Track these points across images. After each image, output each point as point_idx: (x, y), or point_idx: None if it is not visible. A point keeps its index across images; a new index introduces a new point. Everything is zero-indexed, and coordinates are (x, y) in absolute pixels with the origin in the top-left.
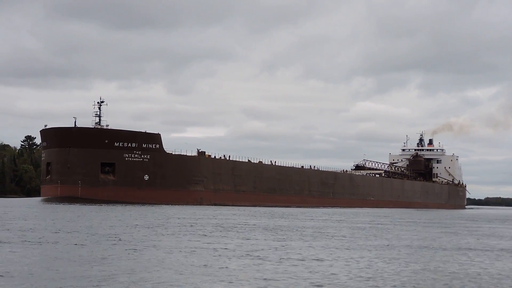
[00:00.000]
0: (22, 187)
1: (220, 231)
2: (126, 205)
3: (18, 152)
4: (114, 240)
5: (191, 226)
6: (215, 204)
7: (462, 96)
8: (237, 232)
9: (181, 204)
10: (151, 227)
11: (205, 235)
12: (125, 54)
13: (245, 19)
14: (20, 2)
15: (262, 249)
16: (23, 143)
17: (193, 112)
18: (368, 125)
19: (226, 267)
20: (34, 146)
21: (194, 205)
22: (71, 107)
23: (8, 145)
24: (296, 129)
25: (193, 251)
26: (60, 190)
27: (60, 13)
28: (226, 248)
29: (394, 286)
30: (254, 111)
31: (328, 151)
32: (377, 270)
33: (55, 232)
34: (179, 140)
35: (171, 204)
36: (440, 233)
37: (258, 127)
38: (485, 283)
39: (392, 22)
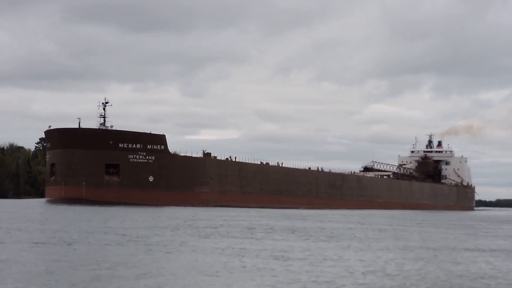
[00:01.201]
0: (37, 188)
1: (250, 233)
2: (131, 207)
3: (32, 154)
4: (143, 242)
5: (216, 228)
6: (221, 206)
7: (474, 98)
8: (266, 233)
9: (187, 206)
10: (175, 229)
11: (235, 237)
12: (140, 56)
13: (260, 22)
14: (36, 6)
15: (295, 251)
16: (37, 145)
17: (207, 115)
18: (380, 128)
19: (267, 268)
20: None
21: (199, 206)
22: (86, 110)
23: (22, 147)
24: (309, 132)
25: (223, 251)
26: (64, 191)
27: (76, 16)
28: (257, 249)
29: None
30: (267, 113)
31: (341, 153)
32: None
33: (88, 233)
34: (193, 143)
35: (176, 206)
36: (463, 235)
37: (271, 129)
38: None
39: (405, 24)
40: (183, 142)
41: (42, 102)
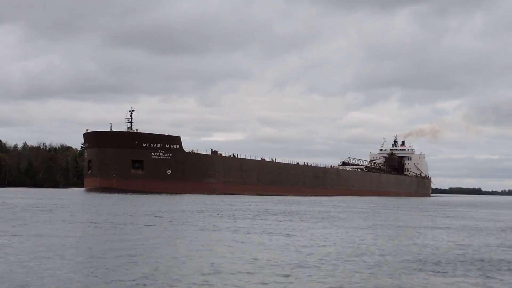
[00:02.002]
0: (82, 179)
1: (259, 215)
2: (153, 195)
3: (78, 152)
4: (178, 222)
5: (229, 211)
6: (226, 194)
7: (433, 107)
8: (272, 215)
9: (198, 194)
10: (200, 212)
11: (249, 218)
12: (165, 74)
13: (261, 46)
14: (82, 33)
15: (296, 229)
16: (82, 145)
17: (219, 121)
18: (357, 131)
19: (272, 241)
20: None
21: (208, 194)
22: (120, 117)
23: (71, 147)
24: (301, 134)
25: (241, 229)
26: (99, 182)
27: (114, 41)
28: (268, 228)
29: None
30: (267, 119)
31: (326, 151)
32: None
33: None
34: (207, 143)
35: (189, 194)
36: (423, 216)
37: (270, 132)
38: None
39: (378, 48)
40: (199, 143)
41: (86, 111)
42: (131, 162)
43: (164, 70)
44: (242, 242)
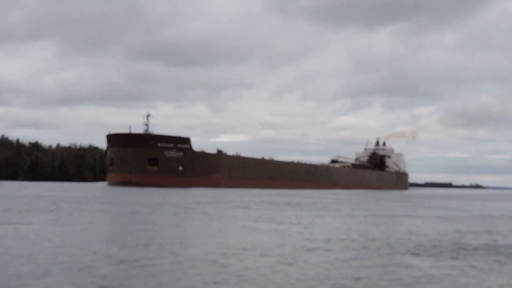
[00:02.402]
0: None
1: (267, 206)
2: (166, 188)
3: (104, 152)
4: (197, 211)
5: (235, 202)
6: (230, 187)
7: (411, 112)
8: (275, 205)
9: (205, 187)
10: (213, 203)
11: (255, 209)
12: (179, 84)
13: (262, 59)
14: (108, 49)
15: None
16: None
17: (225, 124)
18: (345, 133)
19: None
20: None
21: (214, 187)
22: (140, 121)
23: (97, 147)
24: (297, 136)
25: (249, 217)
26: (120, 177)
27: (135, 55)
28: (270, 215)
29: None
30: (267, 123)
31: (318, 151)
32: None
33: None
34: (215, 144)
35: (198, 187)
36: (400, 206)
37: (270, 134)
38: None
39: (364, 61)
40: (208, 143)
41: (111, 116)
42: (148, 159)
43: (178, 80)
44: (255, 228)
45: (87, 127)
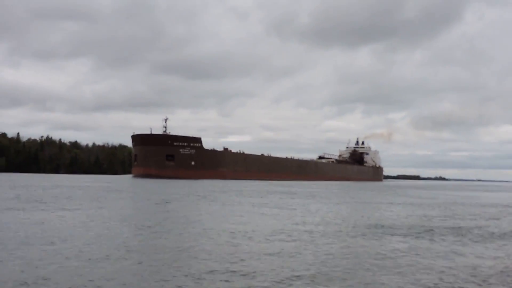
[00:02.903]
0: None
1: (269, 194)
2: (181, 180)
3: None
4: (216, 198)
5: (242, 191)
6: (234, 179)
7: (386, 117)
8: (275, 194)
9: (213, 179)
10: (224, 192)
11: (260, 197)
12: (194, 93)
13: (263, 73)
14: (135, 64)
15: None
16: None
17: (233, 127)
18: (332, 134)
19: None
20: None
21: (221, 179)
22: (161, 124)
23: (126, 146)
24: (292, 136)
25: (255, 203)
26: (142, 170)
27: (157, 69)
28: (270, 202)
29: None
30: (267, 126)
31: (309, 149)
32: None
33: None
34: (224, 143)
35: (207, 179)
36: (377, 194)
37: (269, 135)
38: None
39: (347, 75)
40: (218, 143)
41: (137, 120)
42: (165, 156)
43: (193, 90)
44: (262, 213)
45: (118, 129)
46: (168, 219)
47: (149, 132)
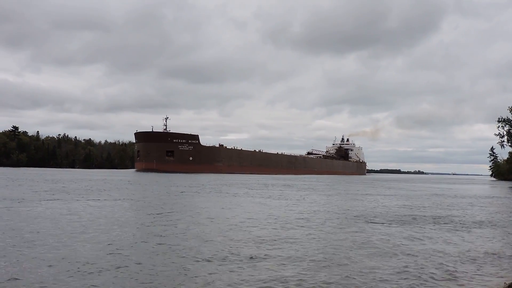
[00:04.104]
0: None
1: (268, 187)
2: (181, 174)
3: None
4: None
5: (238, 184)
6: (229, 173)
7: (370, 117)
8: (272, 186)
9: (210, 173)
10: (227, 185)
11: (257, 189)
12: (197, 96)
13: (260, 78)
14: (144, 69)
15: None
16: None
17: (232, 126)
18: (320, 132)
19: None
20: None
21: (217, 173)
22: (169, 125)
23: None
24: (285, 134)
25: (247, 194)
26: (144, 165)
27: (164, 74)
28: (270, 194)
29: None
30: (263, 125)
31: (300, 146)
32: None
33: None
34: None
35: (204, 173)
36: (363, 186)
37: (265, 133)
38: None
39: (335, 79)
40: (218, 140)
41: (146, 120)
42: (166, 151)
43: (196, 93)
44: (263, 204)
45: (128, 128)
46: (197, 209)
47: (150, 130)
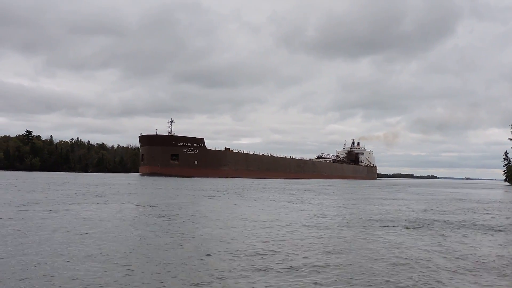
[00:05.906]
0: None
1: (285, 190)
2: (185, 178)
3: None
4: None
5: (249, 189)
6: (235, 177)
7: (383, 121)
8: (285, 190)
9: (216, 177)
10: (246, 189)
11: (270, 192)
12: (210, 100)
13: (273, 82)
14: (157, 74)
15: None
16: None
17: (245, 130)
18: (333, 137)
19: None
20: None
21: (223, 178)
22: (181, 129)
23: None
24: (297, 139)
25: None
26: (148, 169)
27: (177, 79)
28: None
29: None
30: (276, 129)
31: (313, 150)
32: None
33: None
34: (236, 145)
35: (210, 178)
36: (377, 191)
37: (278, 137)
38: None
39: (349, 84)
40: (231, 144)
41: (160, 124)
42: (170, 155)
43: (210, 97)
44: (281, 207)
45: (141, 132)
46: (221, 212)
47: (155, 133)
